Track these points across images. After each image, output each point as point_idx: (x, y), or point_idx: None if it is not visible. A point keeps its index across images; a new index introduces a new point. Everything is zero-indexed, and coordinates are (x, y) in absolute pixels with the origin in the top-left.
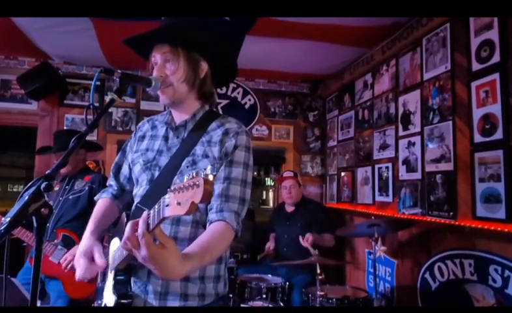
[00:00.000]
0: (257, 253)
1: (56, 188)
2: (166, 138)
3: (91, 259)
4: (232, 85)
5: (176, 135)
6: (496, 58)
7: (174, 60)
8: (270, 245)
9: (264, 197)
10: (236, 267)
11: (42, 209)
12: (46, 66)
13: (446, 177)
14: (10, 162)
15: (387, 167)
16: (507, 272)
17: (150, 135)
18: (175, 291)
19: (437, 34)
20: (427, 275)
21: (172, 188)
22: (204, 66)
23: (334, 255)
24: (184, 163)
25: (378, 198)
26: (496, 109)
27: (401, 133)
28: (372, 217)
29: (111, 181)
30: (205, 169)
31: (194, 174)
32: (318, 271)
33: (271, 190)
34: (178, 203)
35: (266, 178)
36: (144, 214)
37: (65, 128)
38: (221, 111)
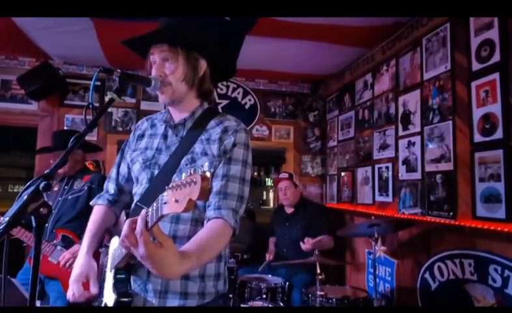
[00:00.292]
0: (257, 254)
1: (55, 188)
2: (165, 136)
3: (86, 283)
4: (232, 85)
5: (175, 133)
6: (496, 57)
7: (173, 59)
8: (270, 256)
9: (265, 197)
10: (236, 267)
11: (41, 209)
12: (46, 66)
13: (446, 177)
14: (11, 162)
15: (387, 167)
16: (507, 272)
17: (149, 134)
18: (175, 290)
19: (437, 34)
20: (427, 275)
21: (170, 185)
22: (203, 65)
23: (334, 255)
24: (183, 162)
25: (378, 198)
26: (496, 108)
27: (401, 133)
28: (372, 217)
29: (110, 182)
30: (202, 166)
31: (192, 171)
32: (318, 271)
33: (271, 191)
34: (176, 201)
35: (267, 179)
36: (143, 212)
37: (65, 128)
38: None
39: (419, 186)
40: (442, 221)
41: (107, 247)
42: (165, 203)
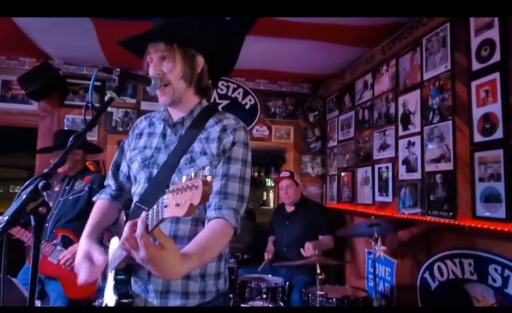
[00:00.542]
0: (258, 254)
1: (56, 189)
2: (164, 135)
3: (91, 261)
4: (232, 86)
5: (174, 132)
6: (497, 57)
7: (171, 57)
8: (269, 255)
9: (265, 197)
10: (236, 267)
11: (40, 208)
12: (47, 66)
13: (446, 177)
14: (12, 163)
15: (387, 167)
16: (507, 272)
17: (148, 133)
18: (176, 290)
19: (437, 34)
20: (427, 275)
21: (170, 188)
22: (201, 61)
23: (334, 255)
24: (182, 161)
25: (378, 198)
26: (496, 108)
27: (401, 133)
28: (372, 217)
29: (109, 180)
30: (203, 169)
31: (193, 175)
32: (318, 271)
33: (271, 191)
34: (177, 204)
35: (267, 179)
36: (143, 214)
37: (66, 128)
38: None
39: (419, 186)
40: (442, 221)
41: (107, 247)
42: (165, 206)
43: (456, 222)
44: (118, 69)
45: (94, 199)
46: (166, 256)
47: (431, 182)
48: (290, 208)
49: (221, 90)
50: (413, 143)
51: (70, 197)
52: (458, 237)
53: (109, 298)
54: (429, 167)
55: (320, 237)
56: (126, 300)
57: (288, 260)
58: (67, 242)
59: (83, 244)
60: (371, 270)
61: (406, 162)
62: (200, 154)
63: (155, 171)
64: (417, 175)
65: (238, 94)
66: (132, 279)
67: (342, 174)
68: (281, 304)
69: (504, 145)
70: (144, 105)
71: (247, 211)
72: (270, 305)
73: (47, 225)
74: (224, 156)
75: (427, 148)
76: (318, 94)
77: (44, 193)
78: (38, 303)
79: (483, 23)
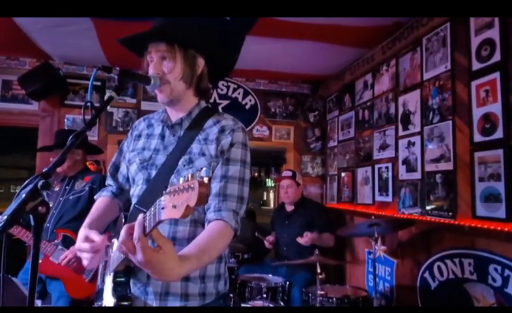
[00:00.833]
0: (258, 254)
1: (56, 189)
2: (162, 136)
3: (92, 243)
4: (232, 86)
5: (173, 133)
6: (497, 57)
7: (171, 57)
8: (270, 238)
9: (265, 198)
10: (236, 266)
11: (40, 207)
12: (47, 66)
13: (446, 177)
14: (13, 163)
15: (387, 167)
16: (507, 272)
17: (146, 134)
18: (175, 292)
19: (437, 34)
20: (427, 274)
21: (167, 190)
22: (201, 62)
23: (334, 254)
24: (180, 162)
25: (378, 198)
26: (496, 108)
27: (401, 133)
28: (372, 217)
29: (109, 181)
30: (200, 170)
31: (189, 176)
32: (319, 270)
33: (271, 191)
34: (174, 206)
35: (267, 179)
36: (140, 217)
37: (66, 128)
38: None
39: (419, 186)
40: (442, 221)
41: (106, 247)
42: (162, 208)
43: (456, 222)
44: (117, 68)
45: (95, 197)
46: (164, 259)
47: (431, 182)
48: (289, 208)
49: (221, 90)
50: (413, 143)
51: (71, 197)
52: (458, 237)
53: (108, 300)
54: (429, 167)
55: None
56: (124, 303)
57: (288, 259)
58: (68, 242)
59: (81, 232)
60: (371, 270)
61: (406, 161)
62: (199, 155)
63: (153, 173)
64: (417, 175)
65: (238, 94)
66: (131, 281)
67: (343, 174)
68: (281, 303)
69: (504, 144)
70: (144, 106)
71: (247, 211)
72: (270, 305)
73: (48, 225)
74: (222, 157)
75: (427, 148)
76: (318, 94)
77: (44, 193)
78: (38, 303)
79: (483, 23)
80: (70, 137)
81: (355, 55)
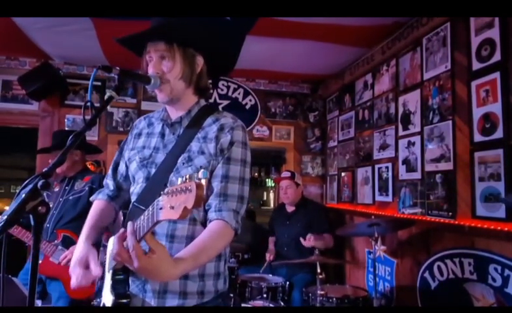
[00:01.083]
0: (258, 254)
1: (56, 189)
2: (162, 135)
3: (86, 267)
4: (233, 86)
5: (172, 131)
6: (497, 56)
7: (170, 57)
8: (270, 255)
9: (265, 198)
10: (236, 266)
11: (39, 208)
12: (47, 66)
13: (446, 177)
14: (13, 163)
15: (387, 167)
16: (506, 271)
17: (147, 133)
18: (174, 290)
19: (437, 34)
20: (427, 274)
21: (165, 191)
22: (200, 61)
23: (334, 254)
24: (179, 160)
25: (378, 198)
26: (496, 108)
27: (401, 133)
28: (372, 217)
29: (108, 180)
30: (198, 172)
31: (187, 177)
32: (319, 270)
33: (271, 191)
34: (172, 207)
35: (267, 179)
36: (130, 226)
37: (66, 128)
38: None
39: (419, 185)
40: (442, 220)
41: (106, 247)
42: (160, 208)
43: (456, 222)
44: (117, 68)
45: (91, 199)
46: (157, 262)
47: (431, 182)
48: (290, 208)
49: (222, 90)
50: (413, 143)
51: (70, 197)
52: (458, 237)
53: (107, 298)
54: (429, 167)
55: None
56: (123, 301)
57: (288, 260)
58: (68, 242)
59: (80, 248)
60: (371, 269)
61: (406, 161)
62: (198, 153)
63: (153, 171)
64: (417, 175)
65: (239, 94)
66: (130, 279)
67: (343, 174)
68: (282, 303)
69: (504, 144)
70: (144, 105)
71: (247, 211)
72: (271, 305)
73: (47, 225)
74: (223, 156)
75: (427, 148)
76: (318, 94)
77: (44, 194)
78: (38, 303)
79: (483, 23)
80: (70, 137)
81: (355, 55)
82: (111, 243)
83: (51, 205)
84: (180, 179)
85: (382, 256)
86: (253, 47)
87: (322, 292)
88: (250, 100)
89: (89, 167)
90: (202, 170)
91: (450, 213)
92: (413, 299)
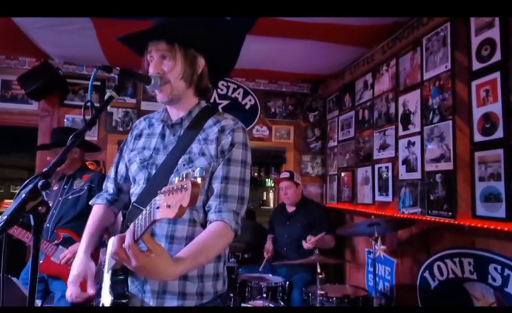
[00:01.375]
0: (258, 253)
1: (55, 187)
2: (163, 136)
3: (83, 284)
4: (232, 86)
5: (173, 132)
6: (497, 56)
7: (171, 57)
8: (268, 253)
9: (265, 197)
10: (236, 266)
11: (40, 207)
12: (46, 66)
13: (446, 177)
14: (12, 163)
15: (387, 167)
16: (506, 271)
17: (147, 134)
18: (173, 290)
19: (437, 34)
20: (427, 274)
21: (162, 190)
22: (201, 62)
23: (334, 254)
24: (180, 162)
25: (378, 198)
26: (496, 108)
27: (401, 133)
28: (372, 216)
29: (108, 182)
30: (194, 171)
31: (184, 176)
32: (319, 270)
33: (271, 191)
34: (168, 206)
35: (267, 179)
36: (131, 225)
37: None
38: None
39: (419, 185)
40: (442, 220)
41: (106, 245)
42: (157, 207)
43: (456, 222)
44: (117, 67)
45: (90, 202)
46: (156, 261)
47: (431, 182)
48: (290, 209)
49: (221, 90)
50: (413, 143)
51: (70, 197)
52: (458, 237)
53: (106, 298)
54: (429, 167)
55: None
56: (121, 301)
57: (288, 260)
58: (68, 242)
59: (79, 262)
60: (371, 269)
61: (406, 161)
62: (199, 154)
63: (153, 172)
64: (417, 175)
65: (238, 94)
66: (129, 279)
67: (343, 174)
68: (281, 303)
69: (504, 144)
70: (144, 105)
71: (247, 211)
72: (271, 304)
73: (48, 225)
74: (223, 158)
75: (427, 148)
76: (318, 94)
77: (43, 193)
78: (38, 303)
79: (484, 23)
80: (70, 137)
81: (356, 55)
82: (111, 243)
83: (50, 204)
84: (177, 178)
85: (382, 256)
86: (253, 47)
87: (322, 292)
88: (250, 100)
89: (89, 167)
90: (198, 168)
91: (450, 213)
92: (413, 299)
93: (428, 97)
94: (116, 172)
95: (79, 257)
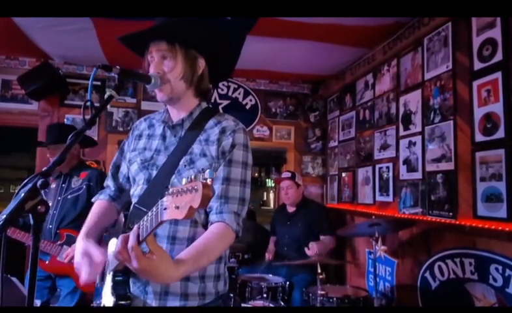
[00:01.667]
0: (258, 254)
1: (52, 186)
2: (164, 137)
3: (90, 259)
4: (233, 86)
5: (174, 134)
6: (499, 56)
7: (172, 57)
8: (270, 255)
9: (265, 198)
10: (237, 266)
11: (39, 207)
12: (46, 66)
13: (447, 177)
14: (12, 163)
15: (387, 167)
16: (508, 272)
17: (147, 134)
18: (175, 291)
19: (439, 34)
20: (427, 274)
21: (170, 191)
22: (202, 63)
23: (335, 254)
24: (181, 162)
25: (379, 198)
26: (497, 108)
27: (402, 133)
28: (373, 217)
29: (108, 182)
30: (203, 172)
31: (193, 177)
32: (319, 271)
33: (272, 191)
34: (177, 207)
35: (267, 180)
36: (135, 227)
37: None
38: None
39: (420, 186)
40: (443, 220)
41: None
42: (165, 208)
43: (457, 222)
44: (117, 67)
45: (93, 199)
46: (157, 263)
47: (432, 182)
48: (291, 209)
49: (222, 90)
50: (414, 143)
51: (69, 197)
52: (459, 237)
53: (107, 299)
54: (430, 167)
55: (322, 237)
56: (123, 302)
57: (289, 260)
58: (72, 241)
59: (80, 244)
60: (372, 269)
61: (406, 161)
62: (200, 155)
63: (154, 173)
64: (418, 175)
65: (239, 94)
66: (131, 280)
67: (343, 174)
68: (282, 303)
69: (506, 144)
70: (144, 105)
71: (247, 211)
72: (271, 305)
73: (50, 226)
74: (224, 159)
75: (428, 148)
76: (318, 94)
77: (42, 192)
78: (37, 303)
79: (485, 23)
80: (70, 136)
81: (356, 55)
82: (112, 245)
83: (49, 204)
84: (184, 180)
85: (383, 256)
86: (253, 47)
87: (323, 292)
88: (250, 100)
89: (89, 165)
90: (208, 170)
91: (451, 213)
92: (414, 299)
93: (429, 97)
94: (117, 172)
95: (78, 242)
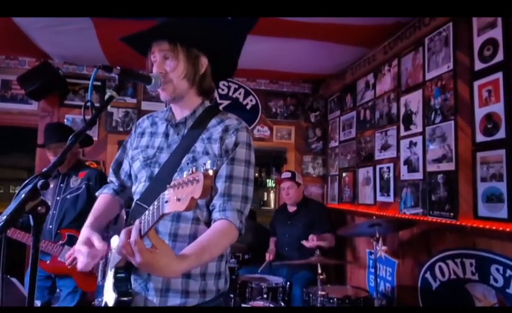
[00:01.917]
0: (258, 254)
1: (51, 185)
2: (166, 135)
3: (91, 247)
4: (233, 86)
5: (177, 132)
6: (500, 56)
7: (174, 56)
8: (270, 255)
9: (266, 198)
10: (237, 267)
11: (39, 208)
12: (46, 66)
13: (448, 177)
14: (12, 163)
15: (388, 168)
16: (508, 272)
17: (150, 132)
18: (176, 288)
19: (440, 34)
20: (428, 275)
21: (171, 183)
22: (204, 62)
23: (335, 254)
24: (184, 160)
25: (380, 198)
26: (498, 108)
27: (403, 133)
28: (374, 217)
29: (111, 178)
30: (205, 164)
31: (193, 169)
32: (319, 271)
33: (272, 191)
34: (178, 199)
35: (268, 180)
36: (137, 221)
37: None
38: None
39: (421, 186)
40: (443, 221)
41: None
42: (166, 201)
43: (458, 222)
44: (118, 67)
45: (96, 193)
46: (159, 257)
47: (433, 183)
48: (292, 208)
49: (222, 90)
50: (415, 143)
51: (68, 196)
52: (459, 237)
53: (109, 296)
54: (431, 168)
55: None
56: (125, 299)
57: (289, 260)
58: (73, 241)
59: (84, 232)
60: (372, 270)
61: (407, 162)
62: (203, 154)
63: (156, 171)
64: (418, 175)
65: (239, 94)
66: (132, 277)
67: (344, 174)
68: (282, 304)
69: (506, 145)
70: (144, 105)
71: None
72: (271, 305)
73: (50, 226)
74: (227, 157)
75: (429, 148)
76: (319, 94)
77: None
78: (37, 303)
79: (486, 23)
80: (70, 137)
81: (357, 55)
82: (115, 241)
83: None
84: (186, 172)
85: (383, 256)
86: (254, 46)
87: (323, 292)
88: (251, 100)
89: (87, 164)
90: (209, 161)
91: (452, 213)
92: (414, 300)
93: (430, 97)
94: (119, 169)
95: (83, 230)
